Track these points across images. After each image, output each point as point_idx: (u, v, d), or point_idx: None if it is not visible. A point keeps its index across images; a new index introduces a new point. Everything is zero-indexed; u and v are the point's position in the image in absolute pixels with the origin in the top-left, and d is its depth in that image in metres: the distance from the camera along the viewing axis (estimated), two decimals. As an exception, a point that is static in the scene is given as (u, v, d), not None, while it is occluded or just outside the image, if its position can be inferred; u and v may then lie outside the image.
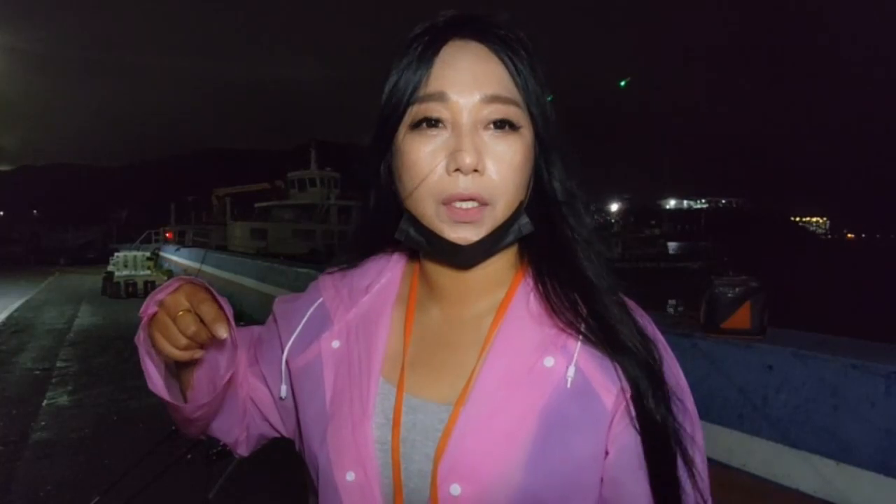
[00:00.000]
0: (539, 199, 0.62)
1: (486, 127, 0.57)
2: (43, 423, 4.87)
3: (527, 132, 0.59)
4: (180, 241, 27.25)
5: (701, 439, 0.61)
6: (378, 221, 0.66)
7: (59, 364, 7.00)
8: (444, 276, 0.64)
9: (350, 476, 0.59)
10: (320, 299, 0.70)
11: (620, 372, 0.57)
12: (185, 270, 17.39)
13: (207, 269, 14.47)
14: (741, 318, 2.24)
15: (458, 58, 0.58)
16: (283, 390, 0.69)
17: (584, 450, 0.56)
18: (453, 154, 0.56)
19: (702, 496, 0.58)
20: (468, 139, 0.56)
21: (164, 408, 0.69)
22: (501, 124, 0.57)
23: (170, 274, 19.59)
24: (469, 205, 0.56)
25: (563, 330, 0.59)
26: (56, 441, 4.46)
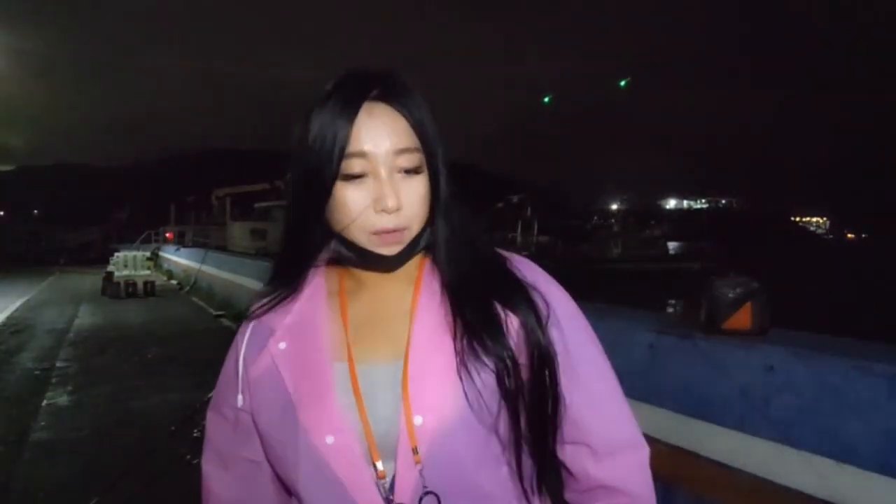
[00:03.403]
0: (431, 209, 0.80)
1: (398, 171, 0.73)
2: (42, 423, 4.87)
3: (425, 169, 0.75)
4: (180, 242, 27.23)
5: (591, 347, 0.81)
6: (305, 242, 0.80)
7: (58, 364, 7.00)
8: (370, 273, 0.80)
9: (330, 440, 0.71)
10: (252, 322, 0.83)
11: (510, 311, 0.76)
12: (185, 270, 17.37)
13: (207, 269, 14.46)
14: (742, 318, 2.23)
15: (372, 120, 0.72)
16: (240, 399, 0.80)
17: (500, 368, 0.73)
18: (378, 199, 0.71)
19: (560, 402, 0.76)
20: (388, 186, 0.72)
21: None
22: (409, 170, 0.73)
23: (170, 274, 19.61)
24: (392, 233, 0.73)
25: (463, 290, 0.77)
26: (55, 441, 4.46)
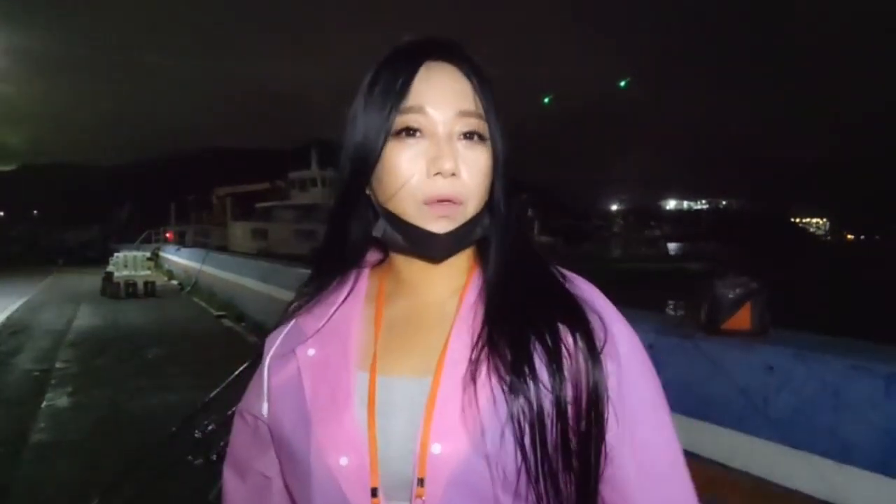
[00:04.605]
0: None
1: (458, 138, 0.66)
2: (42, 425, 4.87)
3: (489, 144, 0.68)
4: (181, 242, 27.23)
5: (658, 404, 0.68)
6: (353, 222, 0.74)
7: (58, 365, 7.01)
8: (414, 270, 0.72)
9: (343, 461, 0.64)
10: (288, 325, 0.76)
11: (561, 340, 0.65)
12: (186, 271, 17.38)
13: (208, 269, 14.47)
14: (742, 318, 2.24)
15: (433, 76, 0.67)
16: (264, 408, 0.73)
17: (545, 402, 0.63)
18: (434, 160, 0.64)
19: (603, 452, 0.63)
20: (446, 147, 0.65)
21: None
22: (471, 135, 0.66)
23: (170, 275, 19.62)
24: (445, 203, 0.65)
25: (512, 303, 0.68)
26: (55, 442, 4.47)
